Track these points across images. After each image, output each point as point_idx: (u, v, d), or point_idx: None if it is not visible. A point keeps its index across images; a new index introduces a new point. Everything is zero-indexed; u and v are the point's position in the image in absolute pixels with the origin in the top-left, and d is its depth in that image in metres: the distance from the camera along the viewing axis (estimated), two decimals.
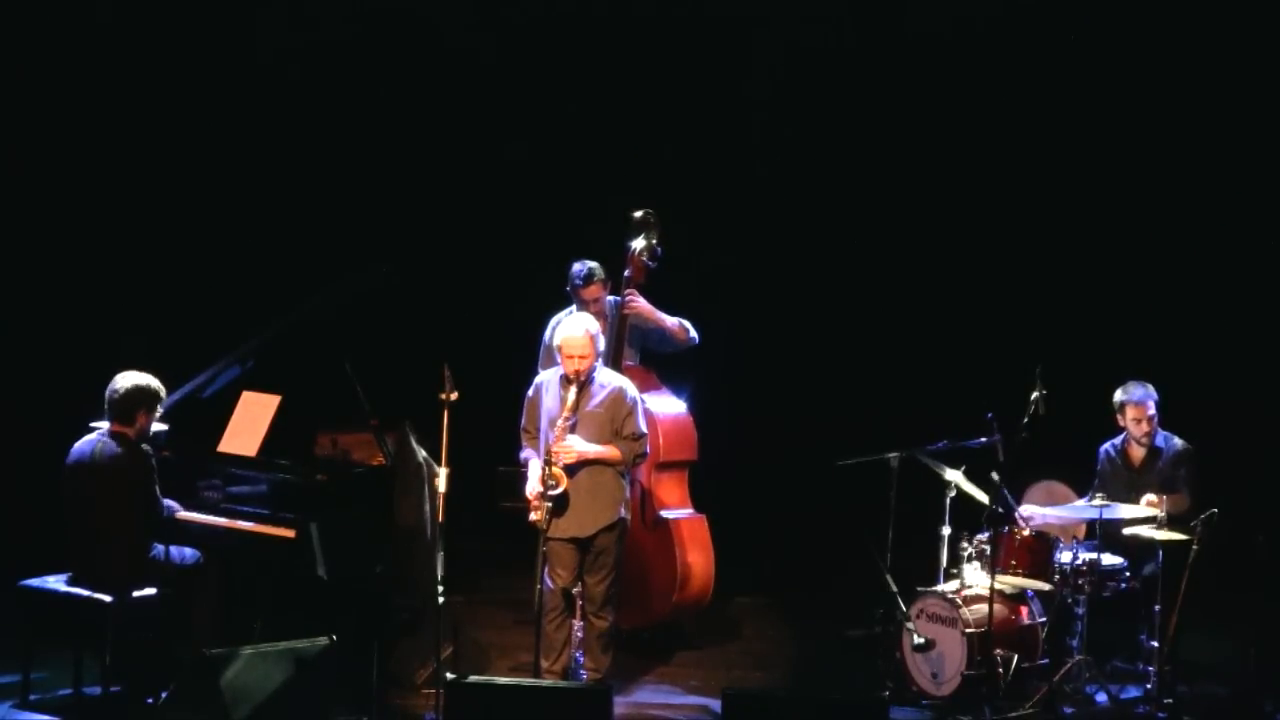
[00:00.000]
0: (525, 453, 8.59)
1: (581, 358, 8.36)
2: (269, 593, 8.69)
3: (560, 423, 8.32)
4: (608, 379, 8.54)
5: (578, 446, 8.31)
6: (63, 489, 8.44)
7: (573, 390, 8.36)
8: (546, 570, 8.29)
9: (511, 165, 11.99)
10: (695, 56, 11.85)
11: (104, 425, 8.49)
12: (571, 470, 8.30)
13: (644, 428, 8.54)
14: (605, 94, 11.90)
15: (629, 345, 9.57)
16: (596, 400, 8.43)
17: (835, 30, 11.76)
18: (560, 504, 8.25)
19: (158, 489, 8.42)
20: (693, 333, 9.60)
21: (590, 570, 8.44)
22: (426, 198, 12.02)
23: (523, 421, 8.61)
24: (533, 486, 8.33)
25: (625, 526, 8.56)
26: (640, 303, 9.52)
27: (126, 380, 8.42)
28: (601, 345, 8.59)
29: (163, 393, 8.49)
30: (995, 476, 8.70)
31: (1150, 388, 9.14)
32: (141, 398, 8.41)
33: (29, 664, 8.46)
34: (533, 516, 8.26)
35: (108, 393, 8.41)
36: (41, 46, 11.50)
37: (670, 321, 9.56)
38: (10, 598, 8.51)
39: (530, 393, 8.60)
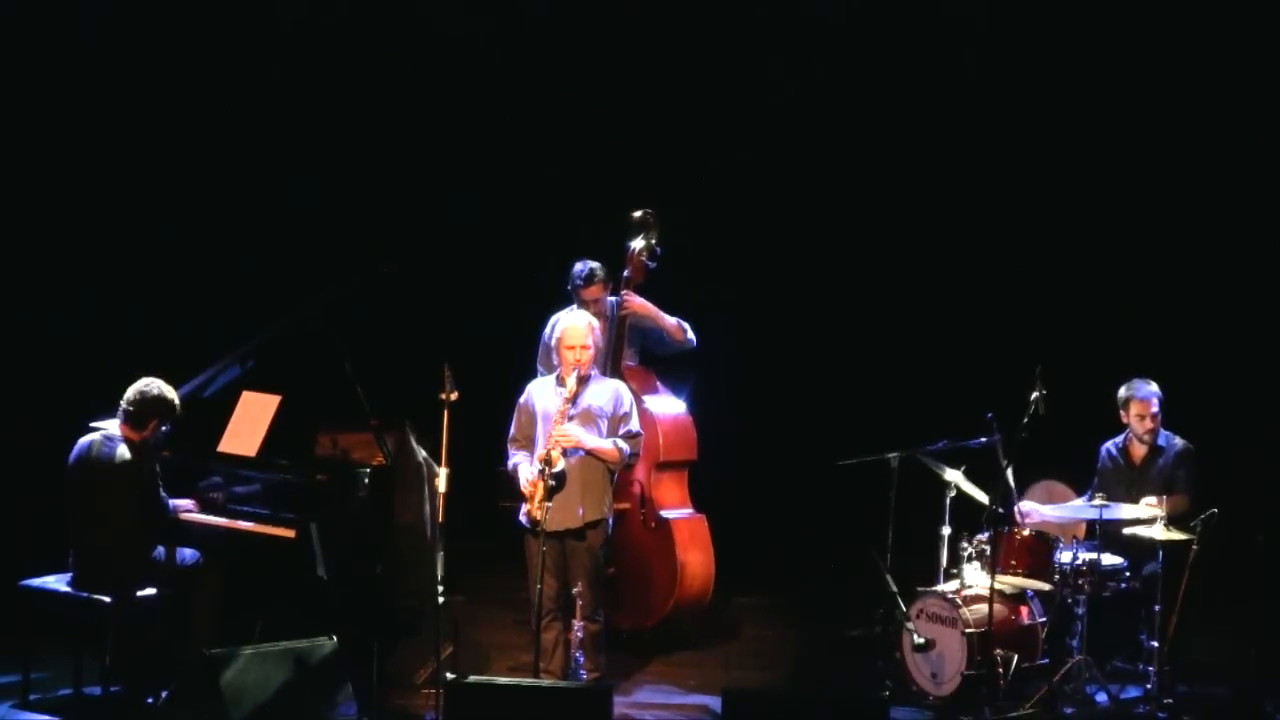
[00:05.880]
0: (514, 457, 8.48)
1: (583, 347, 8.34)
2: (269, 593, 8.70)
3: (562, 405, 8.29)
4: (604, 381, 8.55)
5: (576, 434, 8.29)
6: (64, 489, 8.44)
7: (573, 378, 8.33)
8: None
9: (512, 165, 11.98)
10: (695, 56, 11.84)
11: (105, 425, 8.48)
12: (567, 457, 8.25)
13: (639, 427, 8.54)
14: (606, 92, 11.89)
15: (629, 345, 9.58)
16: (596, 396, 8.42)
17: (836, 29, 11.75)
18: (559, 483, 8.16)
19: (162, 492, 8.41)
20: (690, 334, 9.59)
21: (575, 573, 8.38)
22: (427, 197, 12.02)
23: (511, 431, 8.51)
24: (528, 473, 8.25)
25: (609, 530, 8.52)
26: (637, 301, 9.52)
27: (149, 387, 8.35)
28: (600, 340, 8.59)
29: (179, 408, 8.44)
30: (1008, 473, 8.72)
31: (1156, 386, 9.15)
32: (160, 408, 8.36)
33: (29, 664, 8.47)
34: (529, 508, 8.20)
35: (127, 395, 8.34)
36: (40, 48, 11.50)
37: (669, 321, 9.56)
38: (10, 598, 8.51)
39: (521, 399, 8.54)
